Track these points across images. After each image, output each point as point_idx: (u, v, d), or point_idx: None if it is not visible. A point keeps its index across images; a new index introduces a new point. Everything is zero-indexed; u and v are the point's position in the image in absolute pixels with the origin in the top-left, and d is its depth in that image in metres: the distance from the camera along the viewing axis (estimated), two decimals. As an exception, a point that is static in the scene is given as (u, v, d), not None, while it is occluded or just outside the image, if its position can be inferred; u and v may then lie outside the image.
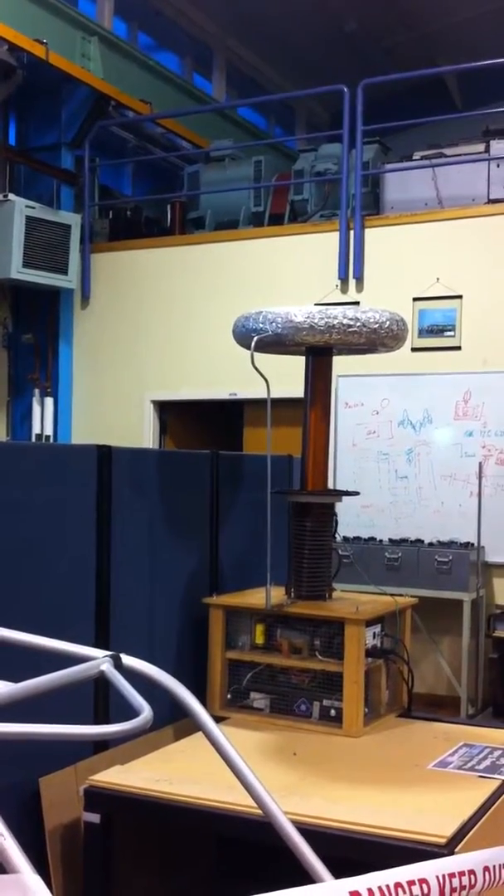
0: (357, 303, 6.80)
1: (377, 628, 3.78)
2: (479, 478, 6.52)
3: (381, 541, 6.66)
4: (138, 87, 8.36)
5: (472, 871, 1.67)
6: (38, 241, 7.37)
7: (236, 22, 9.66)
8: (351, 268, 7.02)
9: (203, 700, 3.74)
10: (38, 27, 7.32)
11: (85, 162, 7.89)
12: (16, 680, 1.78)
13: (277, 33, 9.66)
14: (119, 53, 8.28)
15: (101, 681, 1.84)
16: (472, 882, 1.66)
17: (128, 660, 1.86)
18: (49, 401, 7.95)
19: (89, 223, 8.00)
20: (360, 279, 7.02)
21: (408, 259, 6.89)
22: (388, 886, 1.52)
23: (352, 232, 7.02)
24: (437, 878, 1.60)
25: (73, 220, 7.69)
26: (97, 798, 2.98)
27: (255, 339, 3.69)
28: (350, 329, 3.67)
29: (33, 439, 7.85)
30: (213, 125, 9.27)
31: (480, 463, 6.56)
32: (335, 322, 3.66)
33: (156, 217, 8.53)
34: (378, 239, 7.02)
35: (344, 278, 7.04)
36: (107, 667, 1.81)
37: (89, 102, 7.83)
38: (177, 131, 8.80)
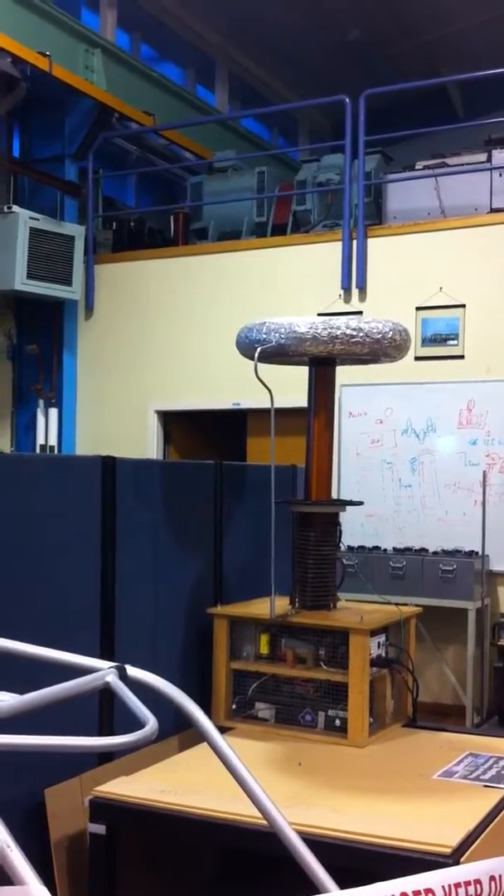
0: (360, 313, 6.81)
1: (382, 638, 3.78)
2: (483, 486, 6.52)
3: (385, 550, 6.66)
4: (141, 98, 8.40)
5: (477, 881, 1.67)
6: (41, 252, 7.39)
7: (238, 33, 9.70)
8: (354, 278, 7.03)
9: (208, 710, 3.74)
10: (42, 39, 7.36)
11: (88, 173, 7.92)
12: (21, 691, 1.79)
13: (280, 44, 9.70)
14: (122, 65, 8.32)
15: (106, 692, 1.84)
16: (478, 892, 1.66)
17: (133, 671, 1.86)
18: (53, 411, 7.97)
19: (93, 234, 8.03)
20: (362, 289, 7.03)
21: (410, 269, 6.91)
22: (393, 897, 1.52)
23: (354, 242, 7.04)
24: (443, 887, 1.60)
25: (76, 231, 7.72)
26: (102, 809, 2.98)
27: (259, 349, 3.70)
28: (353, 339, 3.68)
29: (37, 450, 7.86)
30: (216, 136, 9.31)
31: (484, 471, 6.56)
32: (338, 332, 3.67)
33: (159, 228, 8.56)
34: (381, 249, 7.03)
35: (347, 288, 7.06)
36: (112, 678, 1.81)
37: (92, 114, 7.87)
38: (180, 142, 8.84)
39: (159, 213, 8.90)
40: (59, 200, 7.89)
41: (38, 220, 7.41)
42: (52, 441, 7.91)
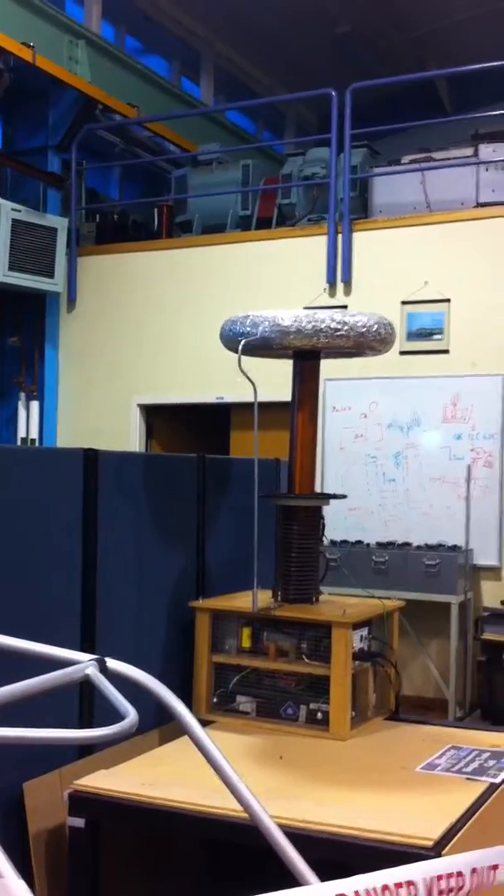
0: (345, 306, 6.80)
1: (364, 631, 3.78)
2: (468, 481, 6.52)
3: (368, 544, 6.66)
4: (126, 90, 8.36)
5: (459, 873, 1.66)
6: (24, 244, 7.35)
7: (224, 25, 9.66)
8: (339, 272, 7.02)
9: (189, 704, 3.73)
10: (26, 30, 7.30)
11: (72, 165, 7.88)
12: (-1, 684, 1.77)
13: (266, 36, 9.66)
14: (107, 57, 8.27)
15: (86, 685, 1.82)
16: (460, 884, 1.65)
17: (113, 663, 1.84)
18: (35, 404, 7.93)
19: (76, 226, 7.99)
20: (348, 283, 7.03)
21: (396, 263, 6.90)
22: (375, 889, 1.51)
23: (340, 236, 7.03)
24: (425, 880, 1.59)
25: (59, 223, 7.67)
26: (82, 803, 2.97)
27: (243, 342, 3.68)
28: (337, 333, 3.67)
29: (19, 443, 7.82)
30: (201, 129, 9.27)
31: (469, 466, 6.57)
32: (323, 326, 3.65)
33: (143, 221, 8.52)
34: (366, 243, 7.02)
35: (332, 282, 7.05)
36: (92, 670, 1.79)
37: (77, 106, 7.82)
38: (164, 135, 8.80)
39: (143, 206, 8.86)
40: (42, 192, 7.84)
41: (20, 211, 7.36)
42: (34, 434, 7.87)
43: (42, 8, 7.54)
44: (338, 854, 2.55)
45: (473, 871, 1.69)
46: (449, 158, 7.04)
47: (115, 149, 8.80)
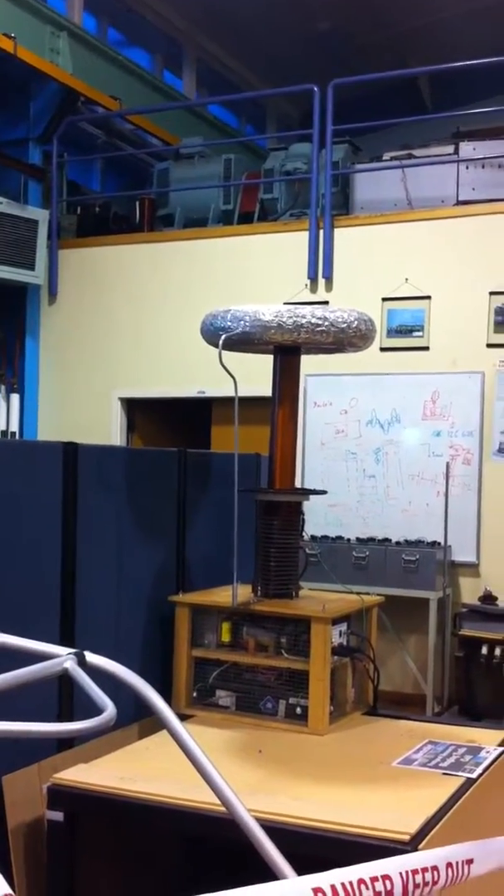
0: (326, 302, 6.81)
1: (343, 626, 3.79)
2: (447, 478, 6.55)
3: (348, 540, 6.68)
4: (108, 83, 8.33)
5: (434, 868, 1.68)
6: (4, 236, 7.31)
7: (207, 19, 9.65)
8: (320, 267, 7.03)
9: (169, 698, 3.73)
10: (7, 21, 7.26)
11: (53, 157, 7.84)
12: (-22, 677, 1.76)
13: (249, 31, 9.65)
14: (89, 49, 8.24)
15: (65, 678, 1.83)
16: (435, 878, 1.67)
17: (92, 657, 1.84)
18: (15, 397, 7.89)
19: (57, 219, 7.95)
20: (329, 279, 7.03)
21: (377, 259, 6.92)
22: (351, 883, 1.52)
23: (321, 231, 7.03)
24: (401, 874, 1.60)
25: (40, 215, 7.63)
26: (61, 796, 2.96)
27: (223, 337, 3.68)
28: (318, 328, 3.68)
29: (-1, 436, 7.79)
30: (184, 122, 9.25)
31: (448, 463, 6.59)
32: (303, 321, 3.66)
33: (124, 214, 8.49)
34: (347, 239, 7.03)
35: (313, 278, 7.06)
36: (70, 664, 1.79)
37: (58, 97, 7.78)
38: (146, 128, 8.77)
39: (125, 199, 8.83)
40: (23, 184, 7.80)
41: (1, 203, 7.32)
42: (14, 427, 7.83)
43: (24, -1, 7.51)
44: (315, 848, 2.56)
45: (449, 865, 1.71)
46: (430, 156, 7.06)
47: (96, 141, 8.76)
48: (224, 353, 3.65)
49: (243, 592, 3.84)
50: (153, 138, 8.94)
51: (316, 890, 1.47)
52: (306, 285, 7.06)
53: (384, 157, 7.24)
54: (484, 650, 5.99)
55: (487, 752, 3.25)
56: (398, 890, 1.57)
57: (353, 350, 3.96)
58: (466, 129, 7.25)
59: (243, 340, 3.73)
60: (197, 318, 4.04)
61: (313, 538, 6.34)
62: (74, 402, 7.92)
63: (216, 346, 3.71)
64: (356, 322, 3.77)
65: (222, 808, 1.93)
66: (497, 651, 5.94)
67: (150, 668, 3.85)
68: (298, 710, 3.64)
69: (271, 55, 10.00)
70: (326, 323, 3.69)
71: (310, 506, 4.18)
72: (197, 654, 3.88)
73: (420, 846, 2.51)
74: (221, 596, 3.91)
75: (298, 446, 4.25)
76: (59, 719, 3.35)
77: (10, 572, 3.28)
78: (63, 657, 1.81)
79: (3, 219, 7.30)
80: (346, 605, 3.87)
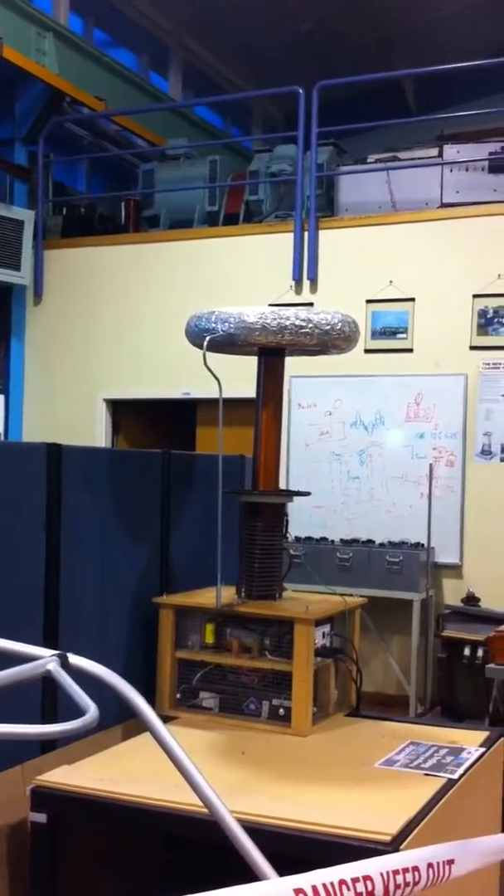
0: (311, 304, 6.82)
1: (326, 628, 3.80)
2: (430, 479, 6.58)
3: (332, 541, 6.69)
4: (94, 83, 8.32)
5: (415, 868, 1.69)
6: (-10, 236, 7.30)
7: (193, 20, 9.65)
8: (305, 269, 7.05)
9: (153, 699, 3.73)
10: (-7, 21, 7.25)
11: (39, 158, 7.82)
12: (-40, 679, 1.76)
13: (235, 32, 9.67)
14: (74, 49, 8.23)
15: (48, 680, 1.83)
16: (416, 879, 1.68)
17: (74, 659, 1.85)
18: (0, 398, 7.88)
19: (42, 219, 7.94)
20: (313, 280, 7.05)
21: (361, 261, 6.94)
22: (332, 883, 1.52)
23: (306, 233, 7.05)
24: (382, 874, 1.61)
25: (26, 216, 7.62)
26: (44, 798, 2.96)
27: (208, 338, 3.69)
28: (302, 330, 3.69)
29: (-17, 437, 7.77)
30: (169, 123, 9.26)
31: (431, 465, 6.62)
32: (287, 323, 3.67)
33: (110, 214, 8.49)
34: (332, 241, 7.05)
35: (298, 279, 7.07)
36: (53, 666, 1.79)
37: (44, 98, 7.77)
38: (132, 129, 8.77)
39: (110, 200, 8.83)
40: (9, 184, 7.79)
41: (-14, 203, 7.31)
42: (-1, 428, 7.83)
43: (10, -1, 7.50)
44: (296, 849, 2.57)
45: (430, 865, 1.72)
46: (414, 158, 7.09)
47: (82, 142, 8.76)
48: (209, 354, 3.66)
49: (227, 594, 3.85)
50: (139, 139, 8.94)
51: (297, 891, 1.48)
52: (291, 287, 7.08)
53: (369, 160, 7.26)
54: (466, 651, 6.00)
55: (469, 752, 3.27)
56: (379, 890, 1.58)
57: (337, 352, 3.97)
58: (450, 131, 7.29)
59: (228, 342, 3.74)
60: (182, 320, 4.04)
61: (297, 539, 6.35)
62: (59, 403, 7.91)
63: (201, 347, 3.72)
64: (340, 324, 3.78)
65: (205, 810, 1.94)
66: (479, 652, 5.96)
67: (134, 670, 3.85)
68: (282, 711, 3.65)
69: (257, 57, 10.02)
70: (310, 325, 3.70)
71: (294, 507, 4.19)
72: (181, 656, 3.88)
73: (401, 847, 2.52)
74: (205, 597, 3.91)
75: (283, 448, 4.26)
76: (43, 721, 3.35)
77: (-6, 574, 3.27)
78: (46, 659, 1.81)
79: (-13, 219, 7.29)
80: (329, 606, 3.88)
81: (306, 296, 7.04)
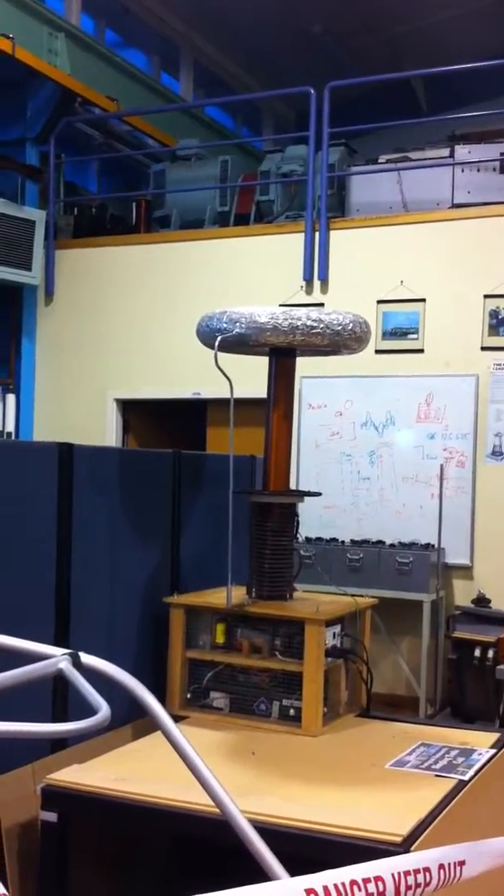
0: (322, 304, 6.81)
1: (337, 628, 3.80)
2: (440, 480, 6.57)
3: (342, 542, 6.68)
4: (105, 83, 8.33)
5: (427, 869, 1.68)
6: (1, 236, 7.31)
7: (204, 21, 9.65)
8: (316, 269, 7.04)
9: (163, 699, 3.73)
10: (5, 22, 7.26)
11: (50, 158, 7.84)
12: (-27, 678, 1.77)
13: (245, 33, 9.66)
14: (86, 50, 8.24)
15: (59, 679, 1.83)
16: (427, 880, 1.67)
17: (86, 658, 1.85)
18: (11, 398, 7.89)
19: (53, 219, 7.95)
20: (324, 281, 7.05)
21: (372, 262, 6.93)
22: (343, 884, 1.52)
23: (317, 234, 7.04)
24: (393, 875, 1.60)
25: (37, 216, 7.63)
26: (54, 797, 2.97)
27: (219, 338, 3.69)
28: (313, 331, 3.69)
29: (-6, 436, 7.79)
30: (180, 124, 9.26)
31: (441, 465, 6.61)
32: (298, 323, 3.67)
33: (121, 215, 8.50)
34: (343, 241, 7.05)
35: (309, 280, 7.07)
36: (65, 665, 1.79)
37: (55, 98, 7.78)
38: (143, 129, 8.78)
39: (121, 200, 8.83)
40: (20, 184, 7.79)
41: (-2, 203, 7.32)
42: (10, 428, 7.83)
43: (22, 0, 7.50)
44: (307, 849, 2.57)
45: (441, 866, 1.71)
46: (425, 159, 7.08)
47: (93, 142, 8.76)
48: (220, 354, 3.66)
49: (237, 594, 3.85)
50: (150, 139, 8.95)
51: (308, 891, 1.48)
52: (302, 287, 7.07)
53: (380, 160, 7.25)
54: (477, 652, 6.00)
55: (480, 754, 3.26)
56: (390, 891, 1.58)
57: (348, 352, 3.97)
58: (462, 131, 7.27)
59: (239, 342, 3.74)
60: (192, 320, 4.05)
61: (307, 540, 6.35)
62: (70, 403, 7.92)
63: (212, 347, 3.72)
64: (351, 324, 3.78)
65: (215, 809, 1.94)
66: (490, 653, 5.96)
67: (144, 669, 3.86)
68: (292, 711, 3.65)
69: (268, 57, 10.01)
70: (322, 325, 3.70)
71: (304, 508, 4.19)
72: (191, 656, 3.89)
73: (412, 848, 2.51)
74: (216, 597, 3.91)
75: (293, 448, 4.26)
76: (54, 720, 3.35)
77: (5, 572, 3.28)
78: (58, 658, 1.81)
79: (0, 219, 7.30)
80: (339, 606, 3.88)
81: (317, 296, 7.04)
